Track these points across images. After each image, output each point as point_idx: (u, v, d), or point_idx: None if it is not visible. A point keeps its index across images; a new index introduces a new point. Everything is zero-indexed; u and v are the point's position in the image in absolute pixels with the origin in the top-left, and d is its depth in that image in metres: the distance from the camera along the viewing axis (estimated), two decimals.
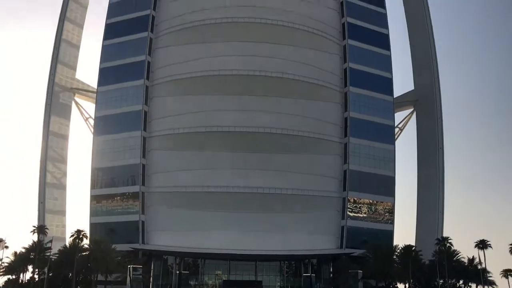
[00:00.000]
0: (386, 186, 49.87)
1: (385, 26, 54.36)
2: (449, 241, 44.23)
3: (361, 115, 50.11)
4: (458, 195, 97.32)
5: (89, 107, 57.91)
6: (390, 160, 50.51)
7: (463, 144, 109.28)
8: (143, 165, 47.91)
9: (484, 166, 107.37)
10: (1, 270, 43.14)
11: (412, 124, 57.69)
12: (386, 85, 52.32)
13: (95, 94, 53.30)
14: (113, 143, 49.40)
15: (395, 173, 50.34)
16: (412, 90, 58.33)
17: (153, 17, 51.83)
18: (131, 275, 40.89)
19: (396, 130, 55.30)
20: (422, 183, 54.87)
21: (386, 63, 52.92)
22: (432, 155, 54.16)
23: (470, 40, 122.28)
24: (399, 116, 57.02)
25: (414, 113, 57.82)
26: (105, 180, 49.63)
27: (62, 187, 57.01)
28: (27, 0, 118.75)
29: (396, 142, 53.18)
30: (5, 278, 44.38)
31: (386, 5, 55.19)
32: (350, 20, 52.48)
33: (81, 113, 58.70)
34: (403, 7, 60.82)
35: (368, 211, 48.95)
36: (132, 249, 44.60)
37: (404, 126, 57.74)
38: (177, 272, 44.26)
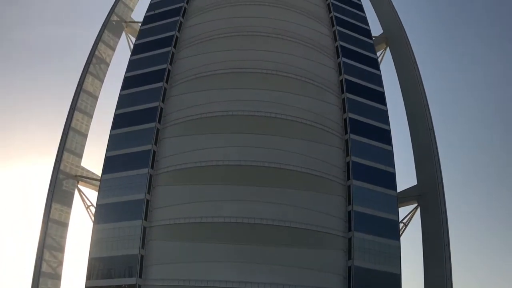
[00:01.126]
0: (392, 284, 47.92)
1: (387, 122, 55.79)
2: None
3: (365, 209, 49.64)
4: None
5: (92, 194, 58.03)
6: (395, 256, 49.04)
7: (470, 241, 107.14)
8: (141, 256, 46.70)
9: (494, 262, 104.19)
10: None
11: (417, 219, 56.88)
12: (389, 179, 52.42)
13: (98, 182, 53.55)
14: (112, 232, 48.60)
15: (401, 271, 48.62)
16: (415, 185, 58.24)
17: (162, 109, 53.60)
18: None
19: (401, 225, 54.39)
20: (429, 281, 52.75)
21: (389, 157, 53.50)
22: (438, 252, 52.62)
23: (472, 133, 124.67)
24: (403, 211, 56.51)
25: (418, 208, 57.18)
26: (101, 271, 48.07)
27: (57, 277, 55.12)
28: (40, 86, 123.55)
29: (401, 238, 52.11)
30: None
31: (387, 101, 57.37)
32: (351, 115, 53.99)
33: (83, 200, 58.52)
34: (403, 103, 62.94)
35: None
36: None
37: (408, 221, 56.87)
38: None
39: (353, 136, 52.59)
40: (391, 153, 53.87)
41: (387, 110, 56.59)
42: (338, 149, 52.50)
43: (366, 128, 53.90)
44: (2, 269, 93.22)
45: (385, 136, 54.66)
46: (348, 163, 51.47)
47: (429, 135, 57.20)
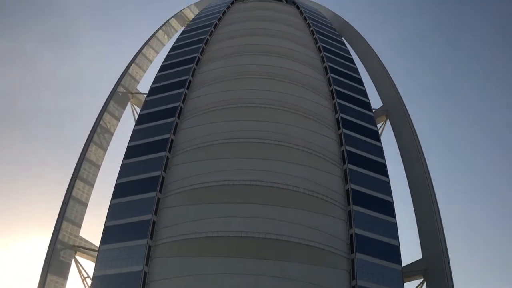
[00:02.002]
0: None
1: (389, 194, 55.43)
2: None
3: (370, 283, 48.03)
4: None
5: (88, 265, 56.54)
6: None
7: None
8: None
9: None
10: None
11: None
12: (394, 253, 51.13)
13: (96, 253, 52.33)
14: None
15: None
16: (420, 259, 56.77)
17: (163, 178, 53.50)
18: None
19: None
20: None
21: (392, 230, 52.59)
22: None
23: (477, 205, 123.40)
24: (409, 286, 54.72)
25: (425, 284, 55.36)
26: None
27: None
28: (41, 155, 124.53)
29: None
30: None
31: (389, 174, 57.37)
32: (354, 186, 53.76)
33: (80, 272, 56.92)
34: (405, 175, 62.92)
35: None
36: None
37: None
38: None
39: (356, 208, 52.06)
40: (394, 226, 53.05)
41: (389, 182, 56.49)
42: (341, 221, 51.78)
43: (369, 200, 53.52)
44: None
45: (389, 208, 54.11)
46: (351, 235, 50.54)
47: (433, 207, 56.61)
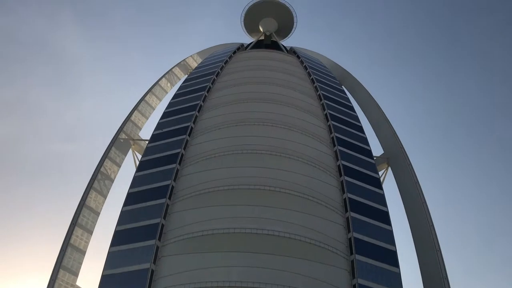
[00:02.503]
0: None
1: (392, 242, 54.45)
2: None
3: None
4: None
5: None
6: None
7: None
8: None
9: None
10: None
11: None
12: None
13: None
14: None
15: None
16: None
17: (163, 226, 52.78)
18: None
19: None
20: None
21: (396, 280, 51.19)
22: None
23: (480, 251, 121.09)
24: None
25: None
26: None
27: None
28: (40, 203, 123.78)
29: None
30: None
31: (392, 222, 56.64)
32: (356, 235, 52.88)
33: None
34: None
35: None
36: None
37: None
38: None
39: (358, 257, 51.02)
40: (398, 276, 51.79)
41: (392, 231, 55.63)
42: (344, 271, 50.60)
43: (372, 249, 52.53)
44: None
45: (392, 258, 53.02)
46: (354, 285, 49.24)
47: (437, 257, 55.50)
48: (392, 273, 51.83)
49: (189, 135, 63.88)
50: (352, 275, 50.09)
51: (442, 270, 54.49)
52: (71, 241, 57.92)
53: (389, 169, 69.53)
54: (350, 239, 52.83)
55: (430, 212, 59.17)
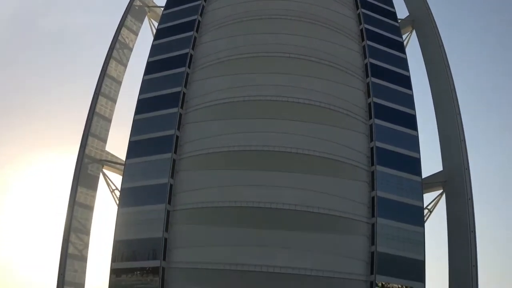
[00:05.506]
0: (416, 270, 47.57)
1: (412, 107, 54.81)
2: None
3: (389, 195, 49.14)
4: (492, 282, 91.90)
5: (116, 178, 58.77)
6: (419, 243, 48.59)
7: (497, 227, 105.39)
8: (165, 239, 47.29)
9: None
10: None
11: (442, 205, 56.04)
12: (414, 165, 51.67)
13: (122, 166, 54.22)
14: (136, 215, 49.34)
15: (425, 257, 48.18)
16: (441, 171, 57.24)
17: (184, 94, 53.69)
18: None
19: (425, 211, 53.69)
20: (454, 268, 52.11)
21: (414, 143, 52.66)
22: (463, 238, 51.83)
23: (500, 118, 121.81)
24: (428, 197, 55.69)
25: (444, 195, 56.29)
26: (126, 253, 48.96)
27: (83, 259, 56.31)
28: (62, 74, 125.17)
29: (426, 224, 51.63)
30: None
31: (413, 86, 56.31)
32: (376, 100, 53.15)
33: (108, 184, 59.32)
34: (429, 88, 61.63)
35: None
36: None
37: (433, 208, 56.01)
38: None
39: (377, 121, 51.88)
40: (416, 138, 53.05)
41: (412, 95, 55.62)
42: (362, 135, 51.89)
43: (391, 113, 53.11)
44: (31, 251, 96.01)
45: (411, 121, 53.78)
46: (372, 148, 50.86)
47: (456, 120, 55.99)
48: (410, 136, 53.03)
49: (205, 1, 61.48)
50: (370, 138, 51.50)
51: (461, 133, 55.46)
52: (97, 109, 59.66)
53: (413, 32, 66.98)
54: (369, 104, 53.22)
55: (453, 77, 58.35)
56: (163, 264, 46.42)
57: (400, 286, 46.78)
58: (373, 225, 47.70)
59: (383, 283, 46.30)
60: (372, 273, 46.00)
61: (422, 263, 48.03)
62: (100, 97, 60.35)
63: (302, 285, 44.63)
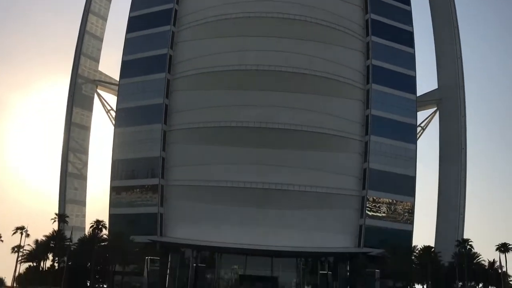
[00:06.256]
0: (406, 185, 49.22)
1: (410, 23, 53.57)
2: (470, 243, 43.51)
3: (383, 113, 49.54)
4: (480, 197, 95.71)
5: (111, 99, 58.65)
6: (411, 159, 49.82)
7: (486, 145, 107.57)
8: (163, 158, 48.19)
9: (508, 167, 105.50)
10: (23, 257, 44.03)
11: (435, 123, 56.79)
12: (409, 83, 51.52)
13: (117, 87, 53.88)
14: (133, 135, 49.86)
15: (416, 173, 49.64)
16: (436, 89, 57.28)
17: (176, 11, 52.05)
18: (148, 266, 41.16)
19: (418, 129, 54.47)
20: (443, 183, 53.95)
21: (410, 61, 52.14)
22: (454, 154, 53.22)
23: (496, 37, 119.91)
24: (421, 115, 56.26)
25: (437, 113, 56.81)
26: (125, 172, 50.12)
27: (82, 177, 57.73)
28: None
29: (418, 142, 52.64)
30: (26, 265, 45.48)
31: (411, 1, 54.56)
32: (374, 16, 51.83)
33: (103, 105, 59.28)
34: (428, 3, 59.78)
35: (387, 210, 48.42)
36: (150, 241, 44.94)
37: (426, 125, 56.80)
38: (194, 265, 44.46)
39: (374, 38, 50.93)
40: (412, 56, 52.46)
41: (410, 11, 54.08)
42: (359, 52, 51.17)
43: (388, 30, 52.02)
44: (32, 172, 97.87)
45: (408, 38, 52.85)
46: (368, 66, 50.44)
47: (453, 34, 55.11)
48: (407, 53, 52.31)
49: None
50: (367, 56, 50.96)
51: (457, 49, 54.79)
52: (87, 28, 58.11)
53: None
54: (367, 20, 51.93)
55: None
56: (161, 182, 47.79)
57: (390, 200, 48.66)
58: (366, 142, 48.67)
59: (374, 197, 48.15)
60: (364, 188, 47.75)
61: (413, 178, 49.56)
62: (90, 14, 58.53)
63: (297, 201, 46.26)
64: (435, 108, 56.91)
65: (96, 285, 43.45)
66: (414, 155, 50.09)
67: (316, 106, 48.32)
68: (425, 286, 44.18)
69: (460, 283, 43.21)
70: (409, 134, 50.94)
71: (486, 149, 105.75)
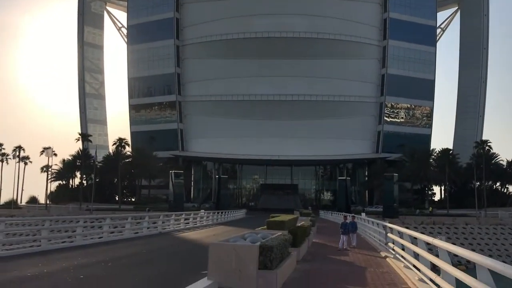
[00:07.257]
0: (425, 89, 48.54)
1: None
2: (488, 144, 43.54)
3: (401, 15, 47.66)
4: (499, 99, 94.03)
5: (121, 16, 57.33)
6: (430, 62, 48.68)
7: (509, 45, 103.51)
8: (178, 74, 48.01)
9: None
10: (52, 176, 45.94)
11: (456, 24, 54.65)
12: None
13: (125, 2, 52.42)
14: (147, 52, 49.34)
15: (435, 76, 48.76)
16: None
17: None
18: (172, 180, 42.53)
19: (438, 30, 52.59)
20: (463, 85, 53.09)
21: None
22: (475, 55, 51.78)
23: None
24: (441, 16, 53.98)
25: (458, 12, 54.42)
26: (142, 90, 50.35)
27: (101, 97, 58.24)
28: None
29: (438, 44, 51.09)
30: (56, 183, 47.54)
31: None
32: None
33: (114, 22, 58.17)
34: None
35: (405, 115, 48.32)
36: (173, 156, 46.14)
37: (446, 26, 54.78)
38: (217, 176, 45.91)
39: None
40: None
41: None
42: None
43: None
44: (50, 95, 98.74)
45: None
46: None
47: None
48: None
49: None
50: None
51: None
52: None
53: None
54: None
55: None
56: (178, 98, 48.00)
57: (409, 105, 48.34)
58: (384, 47, 47.43)
59: (393, 103, 47.80)
60: (382, 94, 47.30)
61: (432, 82, 48.76)
62: None
63: (314, 110, 46.23)
64: (456, 8, 54.45)
65: (125, 199, 45.53)
66: (433, 58, 48.83)
67: (333, 12, 46.57)
68: (442, 187, 45.06)
69: (478, 183, 43.78)
70: (429, 36, 49.24)
71: (509, 50, 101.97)
